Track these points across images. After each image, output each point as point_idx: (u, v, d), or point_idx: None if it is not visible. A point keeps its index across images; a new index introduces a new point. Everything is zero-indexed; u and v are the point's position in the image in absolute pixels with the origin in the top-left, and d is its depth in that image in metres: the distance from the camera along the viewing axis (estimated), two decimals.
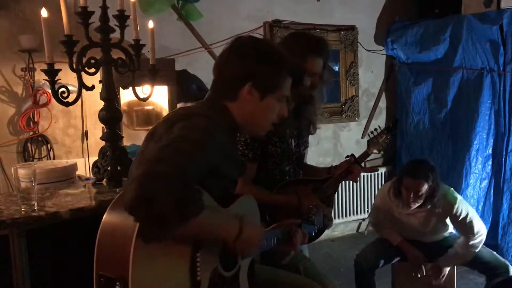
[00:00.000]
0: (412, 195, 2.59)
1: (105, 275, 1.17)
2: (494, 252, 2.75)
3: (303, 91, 2.03)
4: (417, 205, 2.62)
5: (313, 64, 2.02)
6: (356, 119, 4.50)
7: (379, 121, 4.58)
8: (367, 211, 4.46)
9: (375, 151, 2.27)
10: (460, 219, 2.62)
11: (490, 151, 3.75)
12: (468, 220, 2.61)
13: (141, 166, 1.14)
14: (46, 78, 2.00)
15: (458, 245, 2.70)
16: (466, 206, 2.65)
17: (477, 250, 2.64)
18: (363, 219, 4.56)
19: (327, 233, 2.29)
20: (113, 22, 2.21)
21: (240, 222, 1.34)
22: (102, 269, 1.19)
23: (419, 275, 2.72)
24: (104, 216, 1.24)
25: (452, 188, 2.73)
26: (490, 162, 3.76)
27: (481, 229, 2.64)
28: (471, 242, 2.62)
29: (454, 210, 2.61)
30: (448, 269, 2.70)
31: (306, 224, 1.74)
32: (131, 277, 1.12)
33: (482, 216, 3.76)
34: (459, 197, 2.68)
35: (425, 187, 2.56)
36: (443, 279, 2.70)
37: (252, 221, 1.46)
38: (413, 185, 2.57)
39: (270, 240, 1.54)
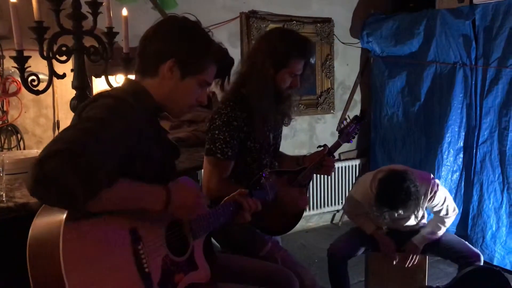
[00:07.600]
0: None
1: None
2: (466, 242, 2.80)
3: (282, 90, 2.03)
4: None
5: (295, 65, 2.00)
6: (332, 111, 4.53)
7: (354, 114, 4.60)
8: (342, 202, 4.50)
9: (345, 141, 2.29)
10: (435, 206, 2.69)
11: (462, 144, 3.82)
12: (445, 205, 2.69)
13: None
14: (16, 65, 1.96)
15: (430, 222, 2.78)
16: (443, 193, 2.70)
17: (447, 226, 2.74)
18: (338, 211, 4.60)
19: (301, 224, 2.31)
20: (85, 9, 2.17)
21: (165, 188, 1.28)
22: None
23: (394, 262, 2.75)
24: (29, 234, 1.17)
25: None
26: (461, 155, 3.83)
27: (455, 209, 2.75)
28: (445, 219, 2.71)
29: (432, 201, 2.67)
30: (418, 253, 2.74)
31: (257, 191, 1.73)
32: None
33: None
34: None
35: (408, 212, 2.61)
36: (415, 262, 2.73)
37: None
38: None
39: (224, 216, 1.56)
